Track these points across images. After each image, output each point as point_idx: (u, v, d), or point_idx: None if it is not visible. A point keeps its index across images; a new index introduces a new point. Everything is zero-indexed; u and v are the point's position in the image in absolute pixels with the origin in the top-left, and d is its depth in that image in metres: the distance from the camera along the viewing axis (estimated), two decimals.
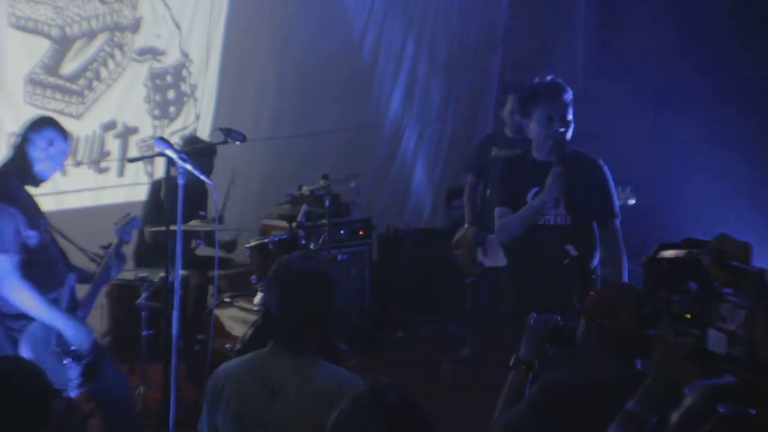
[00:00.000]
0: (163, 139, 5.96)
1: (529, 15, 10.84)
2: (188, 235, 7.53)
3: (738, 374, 2.73)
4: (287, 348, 3.81)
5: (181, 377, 6.59)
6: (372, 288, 9.11)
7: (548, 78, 5.77)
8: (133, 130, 9.04)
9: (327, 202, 8.18)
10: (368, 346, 8.66)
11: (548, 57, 10.54)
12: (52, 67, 8.54)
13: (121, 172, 9.01)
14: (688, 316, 2.90)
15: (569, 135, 5.61)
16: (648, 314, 3.08)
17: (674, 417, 2.80)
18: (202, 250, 8.12)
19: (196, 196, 7.49)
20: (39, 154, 5.54)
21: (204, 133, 9.27)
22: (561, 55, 10.70)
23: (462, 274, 8.41)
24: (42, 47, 8.48)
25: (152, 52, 9.16)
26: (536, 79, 5.82)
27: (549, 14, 10.76)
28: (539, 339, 4.07)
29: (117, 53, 8.90)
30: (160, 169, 8.43)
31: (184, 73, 9.38)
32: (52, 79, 8.54)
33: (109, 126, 8.89)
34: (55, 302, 5.43)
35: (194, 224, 7.36)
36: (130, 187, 8.97)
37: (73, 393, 5.45)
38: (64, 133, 5.69)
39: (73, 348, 5.45)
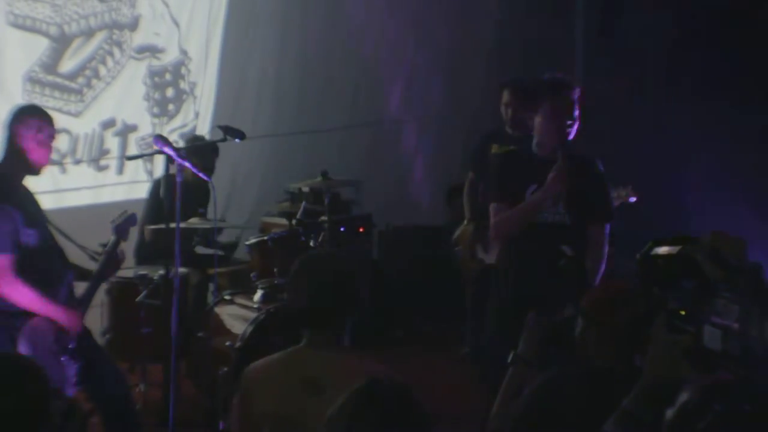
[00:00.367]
0: (161, 137, 5.95)
1: (528, 11, 10.82)
2: (188, 233, 7.52)
3: (733, 370, 2.73)
4: (324, 342, 3.80)
5: (181, 375, 6.59)
6: (372, 286, 9.09)
7: (557, 74, 5.73)
8: (133, 128, 9.03)
9: (327, 200, 8.17)
10: (367, 344, 8.64)
11: (547, 54, 10.53)
12: (51, 65, 8.53)
13: (120, 170, 9.01)
14: (683, 312, 2.90)
15: (574, 133, 5.59)
16: (643, 311, 3.07)
17: (669, 414, 2.80)
18: (203, 248, 8.12)
19: (196, 194, 7.48)
20: (29, 143, 5.52)
21: (203, 130, 9.27)
22: (560, 52, 10.69)
23: (462, 271, 8.39)
24: (40, 45, 8.47)
25: (151, 50, 9.15)
26: (545, 76, 5.78)
27: (548, 11, 10.75)
28: (538, 338, 4.07)
29: (116, 51, 8.90)
30: (159, 167, 8.42)
31: (183, 70, 9.38)
32: (50, 78, 8.53)
33: (108, 124, 8.88)
34: (53, 297, 5.43)
35: (194, 222, 7.34)
36: (130, 185, 8.96)
37: (70, 391, 5.44)
38: (48, 118, 5.66)
39: (70, 345, 5.45)
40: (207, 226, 7.39)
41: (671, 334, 2.91)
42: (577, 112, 5.56)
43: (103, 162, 8.87)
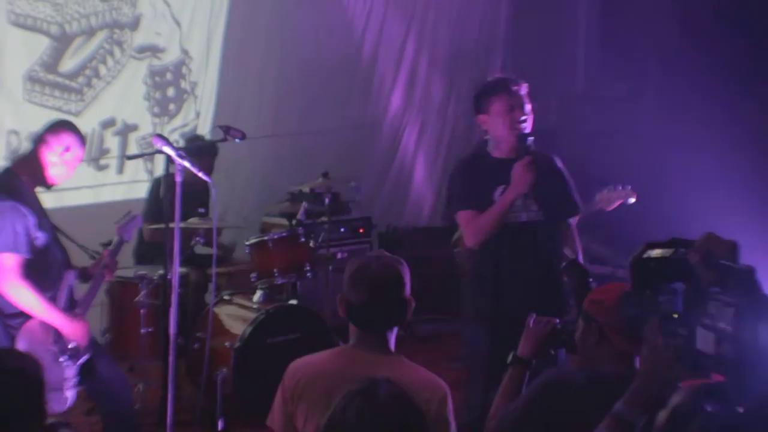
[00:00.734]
0: (161, 137, 5.95)
1: (530, 15, 10.83)
2: (187, 233, 7.52)
3: (726, 373, 2.72)
4: (374, 343, 3.81)
5: (180, 375, 6.58)
6: None
7: (499, 75, 5.77)
8: (133, 128, 9.03)
9: (327, 201, 8.17)
10: None
11: (549, 57, 10.54)
12: (51, 64, 8.53)
13: (120, 170, 9.00)
14: (676, 315, 2.89)
15: (530, 127, 5.54)
16: (635, 314, 3.07)
17: (661, 416, 2.79)
18: (202, 248, 8.11)
19: (196, 194, 7.48)
20: (54, 158, 5.52)
21: (204, 130, 9.27)
22: (562, 55, 10.70)
23: (462, 272, 8.39)
24: (41, 45, 8.47)
25: (152, 50, 9.15)
26: (492, 78, 5.77)
27: (550, 14, 10.75)
28: (538, 339, 4.06)
29: (116, 51, 8.89)
30: (159, 166, 8.43)
31: (184, 70, 9.37)
32: (51, 77, 8.53)
33: (108, 123, 8.88)
34: (53, 300, 5.43)
35: (193, 222, 7.34)
36: (130, 185, 8.96)
37: (69, 392, 5.44)
38: (81, 140, 5.67)
39: (70, 346, 5.44)
40: (207, 226, 7.39)
41: (664, 336, 2.91)
42: (529, 107, 5.55)
43: (103, 161, 8.87)
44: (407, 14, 10.64)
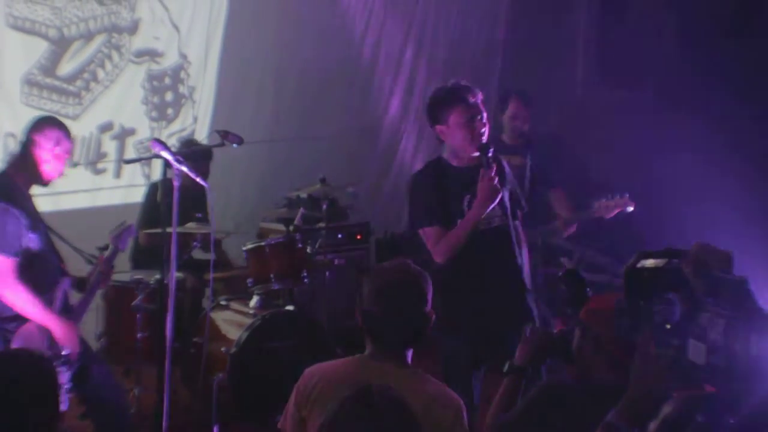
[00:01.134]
0: (159, 141, 5.94)
1: (529, 19, 10.82)
2: (184, 238, 7.51)
3: (717, 384, 2.71)
4: (385, 354, 3.81)
5: (176, 380, 6.57)
6: None
7: (458, 82, 5.67)
8: (130, 132, 9.03)
9: (324, 206, 8.16)
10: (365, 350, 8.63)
11: (547, 61, 10.53)
12: (50, 68, 8.53)
13: (117, 174, 9.00)
14: (668, 326, 2.88)
15: (486, 135, 5.52)
16: (629, 324, 3.06)
17: (652, 426, 2.79)
18: (198, 253, 8.11)
19: (193, 199, 7.47)
20: (45, 154, 5.53)
21: (202, 135, 9.26)
22: (560, 60, 10.69)
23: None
24: (39, 48, 8.47)
25: (150, 54, 9.15)
26: (450, 83, 5.68)
27: (549, 20, 10.74)
28: (535, 349, 4.06)
29: (114, 55, 8.89)
30: (157, 170, 8.42)
31: (183, 75, 9.37)
32: (49, 80, 8.53)
33: (106, 127, 8.88)
34: (48, 303, 5.42)
35: (190, 227, 7.33)
36: (127, 189, 8.95)
37: (62, 397, 5.42)
38: (67, 132, 5.68)
39: (63, 352, 5.44)
40: (204, 231, 7.38)
41: (656, 347, 2.90)
42: (486, 114, 5.52)
43: (100, 165, 8.87)
44: (406, 19, 10.64)
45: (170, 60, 9.29)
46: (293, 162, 9.86)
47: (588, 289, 5.59)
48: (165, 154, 5.83)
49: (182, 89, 9.39)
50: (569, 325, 4.03)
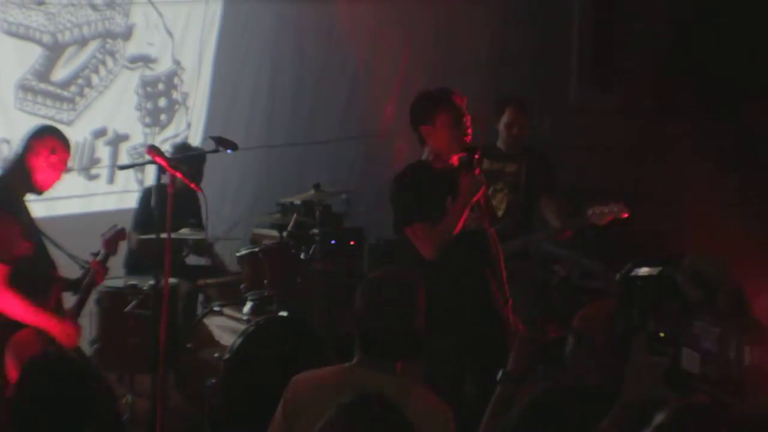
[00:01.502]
0: (154, 147, 5.95)
1: (522, 26, 10.82)
2: (178, 243, 7.51)
3: (711, 393, 2.72)
4: (374, 363, 3.79)
5: (169, 386, 6.57)
6: None
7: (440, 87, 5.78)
8: (124, 138, 9.02)
9: (318, 213, 8.16)
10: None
11: (541, 68, 10.54)
12: (44, 73, 8.52)
13: (111, 179, 8.99)
14: (662, 334, 2.88)
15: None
16: (622, 333, 3.06)
17: None
18: (192, 258, 8.11)
19: (187, 205, 7.47)
20: (40, 162, 5.53)
21: (195, 141, 9.25)
22: (554, 67, 10.69)
23: None
24: (33, 54, 8.46)
25: (144, 60, 9.14)
26: (431, 89, 5.81)
27: (542, 26, 10.75)
28: (528, 356, 4.05)
29: (108, 60, 8.89)
30: (150, 176, 8.41)
31: (176, 81, 9.37)
32: (43, 86, 8.52)
33: (99, 133, 8.87)
34: (42, 306, 5.42)
35: (184, 232, 7.33)
36: (121, 195, 8.95)
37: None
38: (66, 143, 5.68)
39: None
40: (198, 236, 7.38)
41: (650, 355, 2.90)
42: (469, 118, 5.61)
43: (94, 171, 8.86)
44: (401, 25, 10.64)
45: (164, 66, 9.29)
46: (287, 168, 9.86)
47: (581, 296, 5.62)
48: (160, 161, 5.84)
49: (176, 95, 9.39)
50: (563, 331, 4.03)
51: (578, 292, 7.68)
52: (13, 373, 5.15)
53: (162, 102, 9.28)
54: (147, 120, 9.19)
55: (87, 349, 6.66)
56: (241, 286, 7.40)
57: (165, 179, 6.00)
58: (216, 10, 9.48)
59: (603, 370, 3.64)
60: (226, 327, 7.18)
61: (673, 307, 2.89)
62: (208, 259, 8.29)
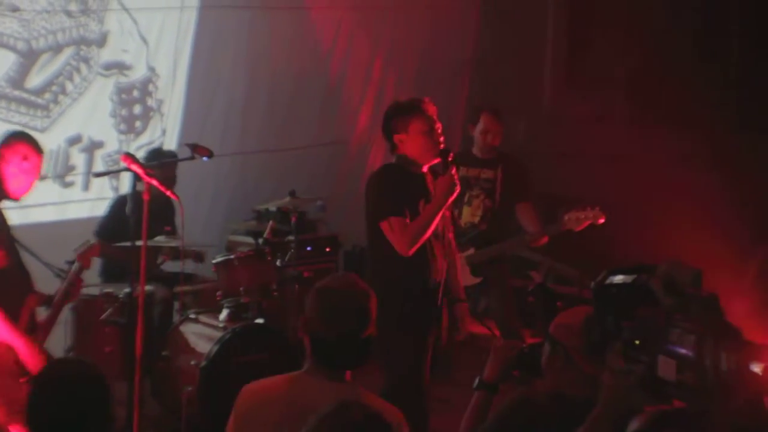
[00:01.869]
0: (129, 155, 5.94)
1: (498, 34, 10.86)
2: (153, 251, 7.49)
3: (688, 400, 2.73)
4: (324, 372, 3.77)
5: (145, 394, 6.55)
6: None
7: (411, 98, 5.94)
8: (99, 145, 8.98)
9: (293, 219, 8.17)
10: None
11: (516, 76, 10.57)
12: (18, 80, 8.48)
13: (86, 187, 8.95)
14: (637, 342, 2.89)
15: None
16: (597, 341, 3.07)
17: None
18: (168, 266, 8.08)
19: (162, 212, 7.45)
20: (12, 169, 5.48)
21: (170, 147, 9.22)
22: (529, 75, 10.73)
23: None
24: (7, 60, 8.41)
25: (118, 67, 9.11)
26: (403, 100, 5.99)
27: (517, 33, 10.79)
28: (504, 363, 4.05)
29: (83, 67, 8.85)
30: (125, 183, 8.39)
31: (151, 87, 9.34)
32: (17, 92, 8.47)
33: (74, 140, 8.83)
34: (14, 319, 5.37)
35: (159, 240, 7.32)
36: (95, 202, 8.90)
37: None
38: (37, 147, 5.63)
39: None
40: (172, 244, 7.37)
41: (625, 362, 2.91)
42: (440, 125, 5.77)
43: (68, 178, 8.82)
44: (375, 32, 10.65)
45: (138, 73, 9.25)
46: (262, 175, 9.85)
47: (557, 302, 5.64)
48: (136, 168, 5.83)
49: (150, 102, 9.36)
50: (539, 337, 4.04)
51: (554, 297, 7.70)
52: None
53: (137, 109, 9.25)
54: (122, 127, 9.16)
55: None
56: (217, 293, 7.40)
57: (140, 186, 5.99)
58: (191, 17, 9.46)
59: (578, 377, 3.65)
60: (202, 334, 7.17)
61: (648, 314, 2.90)
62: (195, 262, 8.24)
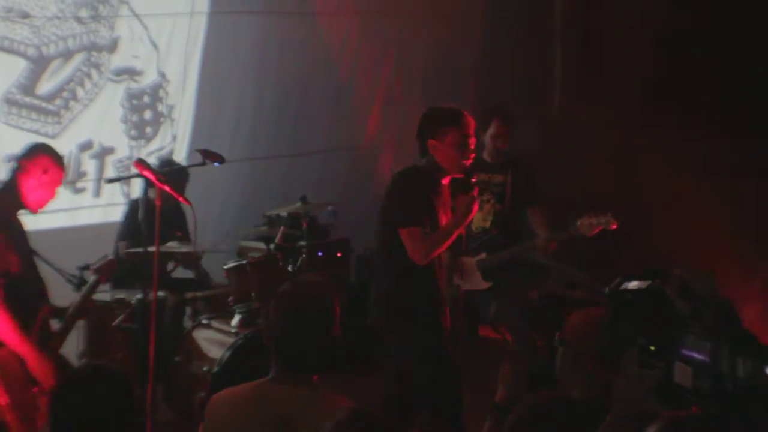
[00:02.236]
0: (141, 161, 5.95)
1: (507, 37, 10.85)
2: (165, 257, 7.49)
3: (704, 406, 2.72)
4: (290, 377, 3.75)
5: (157, 399, 6.55)
6: (349, 310, 9.06)
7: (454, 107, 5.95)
8: (110, 151, 9.00)
9: (304, 224, 8.17)
10: (345, 368, 8.59)
11: (525, 80, 10.56)
12: (29, 86, 8.50)
13: (97, 193, 8.97)
14: (653, 348, 2.88)
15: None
16: (612, 346, 3.06)
17: None
18: (179, 272, 8.09)
19: (174, 218, 7.46)
20: (32, 182, 5.50)
21: (180, 153, 9.25)
22: (538, 79, 10.72)
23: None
24: (18, 67, 8.44)
25: (129, 72, 9.13)
26: (446, 106, 5.97)
27: (527, 36, 10.78)
28: (517, 385, 4.04)
29: (94, 73, 8.87)
30: (136, 189, 8.40)
31: (161, 93, 9.35)
32: (28, 99, 8.50)
33: (85, 146, 8.85)
34: (26, 329, 5.37)
35: (171, 246, 7.32)
36: (106, 208, 8.93)
37: (41, 421, 5.38)
38: (59, 161, 5.65)
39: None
40: (184, 250, 7.37)
41: (641, 368, 2.90)
42: (474, 141, 5.84)
43: (79, 184, 8.83)
44: (383, 38, 10.65)
45: (149, 78, 9.27)
46: (273, 180, 9.86)
47: (567, 306, 5.62)
48: (148, 174, 5.84)
49: (161, 108, 9.38)
50: (549, 342, 4.03)
51: (564, 302, 7.69)
52: None
53: (147, 114, 9.27)
54: (133, 133, 9.17)
55: (75, 362, 6.63)
56: (229, 299, 7.40)
57: (152, 192, 5.99)
58: (201, 22, 9.48)
59: (589, 381, 3.64)
60: (214, 340, 7.17)
61: (663, 320, 2.89)
62: (195, 272, 8.26)
